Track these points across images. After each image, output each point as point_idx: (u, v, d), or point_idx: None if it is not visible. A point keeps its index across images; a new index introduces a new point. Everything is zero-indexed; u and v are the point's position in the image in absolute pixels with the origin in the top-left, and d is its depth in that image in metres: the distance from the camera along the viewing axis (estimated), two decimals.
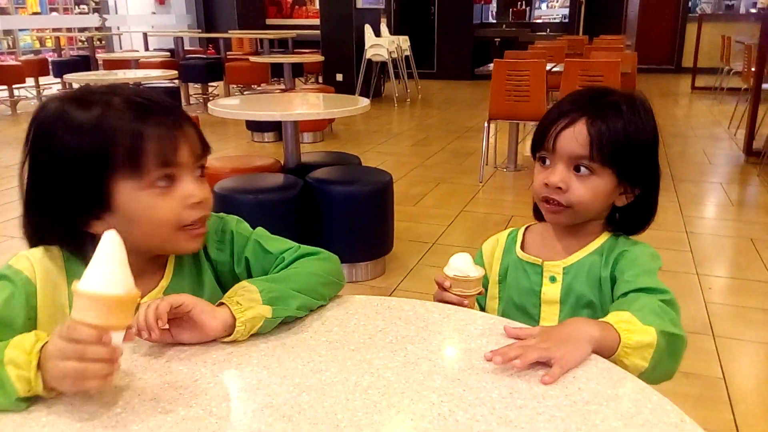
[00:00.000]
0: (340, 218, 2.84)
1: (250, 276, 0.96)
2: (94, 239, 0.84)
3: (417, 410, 0.70)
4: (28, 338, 0.72)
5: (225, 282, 0.97)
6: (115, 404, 0.71)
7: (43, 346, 0.70)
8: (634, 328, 0.85)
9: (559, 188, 1.01)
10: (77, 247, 0.86)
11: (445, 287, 1.01)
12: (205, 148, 0.89)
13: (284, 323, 0.89)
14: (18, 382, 0.69)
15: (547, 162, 1.04)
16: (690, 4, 11.65)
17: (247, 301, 0.84)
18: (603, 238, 1.07)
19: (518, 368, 0.76)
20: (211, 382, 0.76)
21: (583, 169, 1.00)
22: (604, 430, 0.67)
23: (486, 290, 1.15)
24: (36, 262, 0.85)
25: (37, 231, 0.88)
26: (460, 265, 1.00)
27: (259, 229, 1.01)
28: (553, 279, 1.07)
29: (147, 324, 0.78)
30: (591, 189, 1.01)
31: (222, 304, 0.85)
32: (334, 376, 0.77)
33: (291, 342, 0.86)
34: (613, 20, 11.43)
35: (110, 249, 0.68)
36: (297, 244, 0.99)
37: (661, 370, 0.85)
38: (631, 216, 1.07)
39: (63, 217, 0.84)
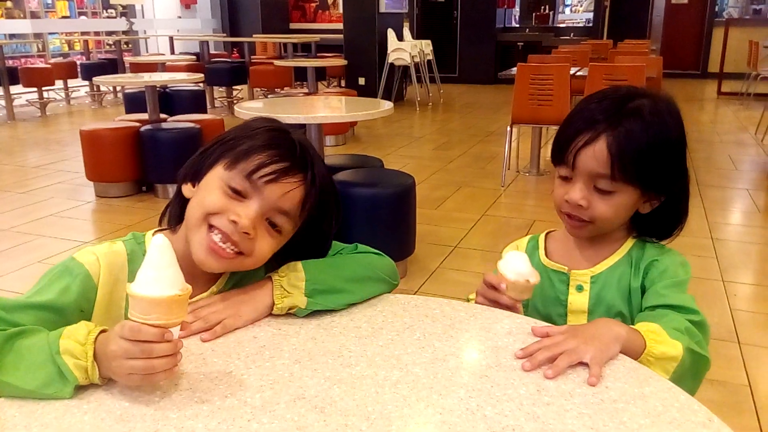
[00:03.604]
0: (362, 220, 2.86)
1: None
2: None
3: (446, 405, 0.72)
4: (79, 329, 0.75)
5: None
6: (154, 393, 0.74)
7: (96, 337, 0.74)
8: (662, 339, 0.85)
9: (580, 205, 0.99)
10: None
11: (500, 290, 0.95)
12: (285, 213, 0.89)
13: (317, 315, 0.92)
14: (76, 371, 0.72)
15: (568, 176, 1.00)
16: (717, 8, 11.51)
17: (290, 287, 0.92)
18: (628, 245, 1.05)
19: (550, 378, 0.77)
20: (244, 374, 0.78)
21: (604, 187, 0.97)
22: (631, 427, 0.68)
23: None
24: (101, 257, 0.89)
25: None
26: (520, 268, 0.92)
27: None
28: (580, 288, 1.05)
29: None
30: (613, 206, 0.98)
31: (270, 278, 0.93)
32: (363, 371, 0.79)
33: (321, 337, 0.88)
34: (637, 25, 11.34)
35: (161, 252, 0.72)
36: (355, 245, 1.04)
37: (681, 387, 0.82)
38: (657, 222, 1.04)
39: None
